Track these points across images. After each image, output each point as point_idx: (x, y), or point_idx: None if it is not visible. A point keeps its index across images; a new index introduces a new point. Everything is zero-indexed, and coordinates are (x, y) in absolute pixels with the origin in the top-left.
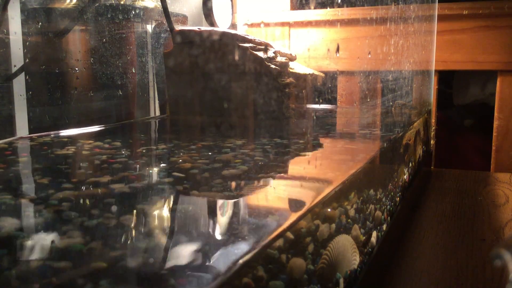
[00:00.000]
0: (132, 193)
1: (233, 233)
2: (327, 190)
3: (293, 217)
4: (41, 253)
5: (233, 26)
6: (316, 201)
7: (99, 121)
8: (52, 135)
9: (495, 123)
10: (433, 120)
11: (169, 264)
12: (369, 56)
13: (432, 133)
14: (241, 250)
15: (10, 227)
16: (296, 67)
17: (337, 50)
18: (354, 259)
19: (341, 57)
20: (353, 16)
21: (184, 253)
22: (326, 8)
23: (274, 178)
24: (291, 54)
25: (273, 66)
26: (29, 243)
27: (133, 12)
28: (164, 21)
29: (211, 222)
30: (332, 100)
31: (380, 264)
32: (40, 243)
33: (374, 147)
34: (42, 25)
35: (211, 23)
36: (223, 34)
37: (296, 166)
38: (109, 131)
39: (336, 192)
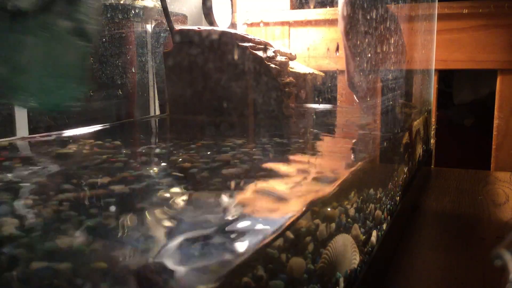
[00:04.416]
0: (131, 192)
1: (232, 233)
2: (327, 189)
3: (292, 216)
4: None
5: (233, 25)
6: (314, 200)
7: (99, 120)
8: (52, 135)
9: (495, 122)
10: (433, 119)
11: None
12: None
13: (432, 132)
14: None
15: None
16: (296, 66)
17: (337, 49)
18: (354, 259)
19: (341, 56)
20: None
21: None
22: (326, 7)
23: (273, 177)
24: (290, 54)
25: (272, 66)
26: None
27: (133, 12)
28: (164, 21)
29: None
30: (332, 100)
31: (380, 264)
32: None
33: (374, 147)
34: None
35: (211, 22)
36: (223, 34)
37: (295, 165)
38: (109, 130)
39: (336, 190)
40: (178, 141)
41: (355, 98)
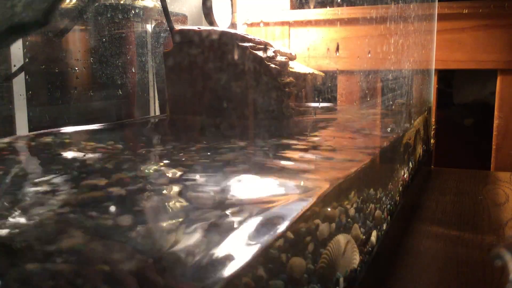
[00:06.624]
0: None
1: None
2: (330, 187)
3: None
4: None
5: (233, 25)
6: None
7: (99, 120)
8: (51, 135)
9: (495, 122)
10: (433, 119)
11: None
12: (369, 55)
13: (432, 132)
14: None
15: None
16: (296, 66)
17: (337, 49)
18: (354, 258)
19: (341, 56)
20: (353, 15)
21: None
22: (326, 7)
23: (271, 177)
24: (290, 54)
25: (272, 66)
26: None
27: (133, 12)
28: (164, 21)
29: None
30: (332, 99)
31: (380, 264)
32: None
33: (374, 147)
34: None
35: (211, 22)
36: (223, 34)
37: (295, 165)
38: (109, 130)
39: (337, 189)
40: (178, 141)
41: None
